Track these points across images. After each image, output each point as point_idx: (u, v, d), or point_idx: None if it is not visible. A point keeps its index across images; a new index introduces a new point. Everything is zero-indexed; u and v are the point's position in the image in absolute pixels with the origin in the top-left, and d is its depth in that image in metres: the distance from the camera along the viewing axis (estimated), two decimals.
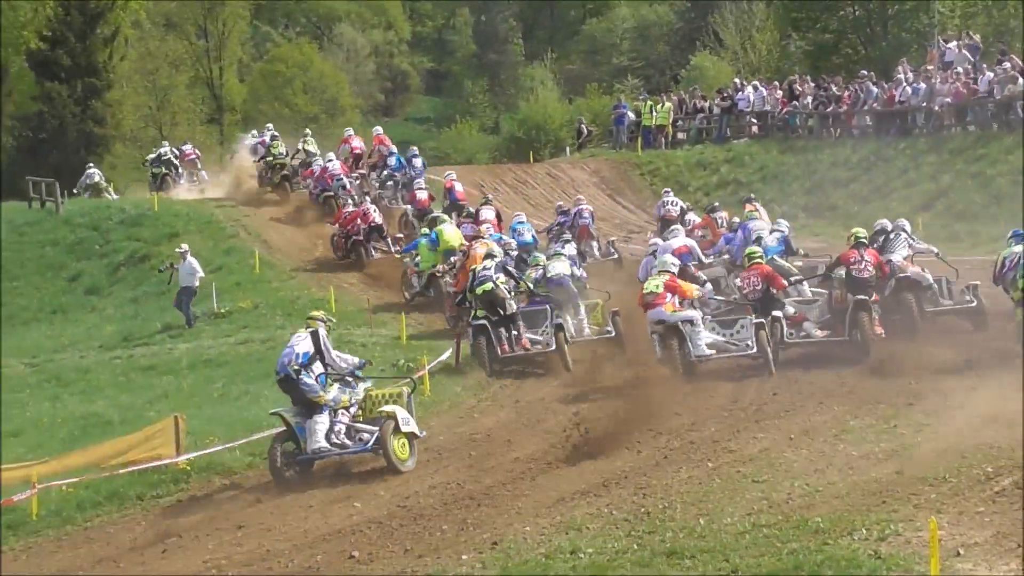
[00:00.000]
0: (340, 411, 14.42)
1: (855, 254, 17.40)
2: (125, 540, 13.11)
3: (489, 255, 19.95)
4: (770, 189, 34.48)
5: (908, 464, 11.53)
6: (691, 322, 17.27)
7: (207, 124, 62.58)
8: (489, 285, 18.98)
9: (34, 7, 51.95)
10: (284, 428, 14.30)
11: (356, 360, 14.90)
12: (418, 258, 24.70)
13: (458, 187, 30.37)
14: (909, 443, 12.39)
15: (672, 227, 23.79)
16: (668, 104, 40.83)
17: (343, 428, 14.36)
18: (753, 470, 12.02)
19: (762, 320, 17.21)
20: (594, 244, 27.40)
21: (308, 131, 37.03)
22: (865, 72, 36.70)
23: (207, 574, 11.49)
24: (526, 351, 18.96)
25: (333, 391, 14.41)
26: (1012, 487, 10.37)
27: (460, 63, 79.26)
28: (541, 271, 20.56)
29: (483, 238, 22.59)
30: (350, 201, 29.28)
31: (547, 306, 19.64)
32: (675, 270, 18.28)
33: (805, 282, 19.48)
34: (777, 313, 17.52)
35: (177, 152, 38.54)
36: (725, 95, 40.00)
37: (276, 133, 35.95)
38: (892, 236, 18.88)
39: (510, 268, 20.06)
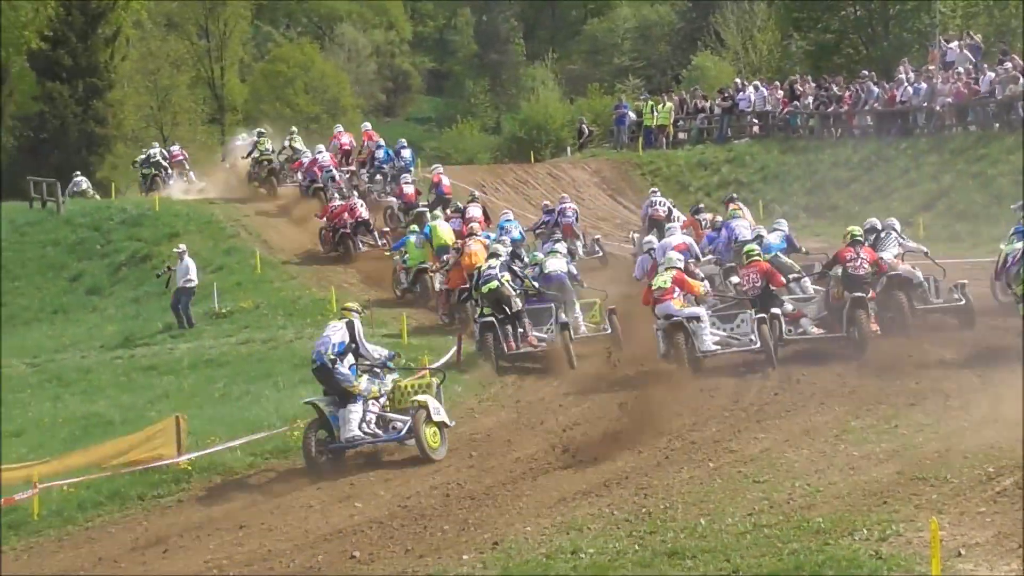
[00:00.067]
0: (371, 401, 14.81)
1: (851, 252, 17.47)
2: (126, 540, 13.10)
3: (494, 255, 20.06)
4: (771, 189, 34.54)
5: (909, 464, 11.52)
6: (698, 318, 17.34)
7: (208, 124, 62.67)
8: (495, 284, 19.16)
9: (35, 7, 51.95)
10: (317, 417, 14.71)
11: (387, 352, 15.42)
12: (406, 255, 24.80)
13: (445, 181, 30.45)
14: (910, 443, 12.38)
15: (669, 225, 23.98)
16: (669, 104, 40.82)
17: (374, 418, 14.78)
18: (754, 470, 12.01)
19: (763, 315, 17.26)
20: (578, 242, 27.49)
21: (294, 128, 37.17)
22: (866, 72, 36.71)
23: (208, 574, 11.49)
24: (533, 348, 19.11)
25: (363, 382, 14.80)
26: (1013, 487, 10.36)
27: (461, 63, 79.30)
28: (537, 268, 20.66)
29: (476, 235, 22.74)
30: (337, 195, 29.35)
31: (551, 304, 19.77)
32: (681, 266, 18.37)
33: (806, 278, 19.52)
34: (776, 310, 17.56)
35: (166, 154, 38.63)
36: (726, 95, 39.98)
37: (263, 130, 36.05)
38: (882, 235, 19.02)
39: (515, 268, 20.15)
